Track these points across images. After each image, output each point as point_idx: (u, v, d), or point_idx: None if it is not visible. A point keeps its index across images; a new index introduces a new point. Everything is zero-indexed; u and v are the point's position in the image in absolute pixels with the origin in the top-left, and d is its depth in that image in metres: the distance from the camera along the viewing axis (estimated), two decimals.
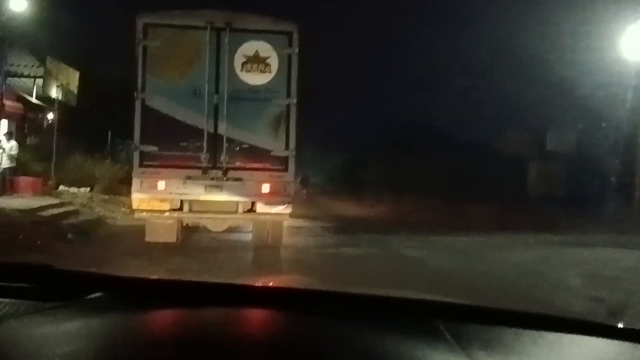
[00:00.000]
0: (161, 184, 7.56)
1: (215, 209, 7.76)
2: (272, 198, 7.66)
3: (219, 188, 7.66)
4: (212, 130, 7.65)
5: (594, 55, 13.86)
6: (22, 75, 17.78)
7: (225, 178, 7.67)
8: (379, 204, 21.51)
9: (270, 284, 1.64)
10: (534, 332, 1.24)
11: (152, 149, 7.57)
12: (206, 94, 7.60)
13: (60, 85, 16.71)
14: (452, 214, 15.35)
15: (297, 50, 7.73)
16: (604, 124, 15.47)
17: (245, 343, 1.10)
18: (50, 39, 16.08)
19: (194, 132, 7.63)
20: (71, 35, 17.73)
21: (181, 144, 7.65)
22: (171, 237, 7.75)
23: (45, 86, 17.01)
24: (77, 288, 1.33)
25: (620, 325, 1.32)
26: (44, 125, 17.04)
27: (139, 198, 7.58)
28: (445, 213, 15.73)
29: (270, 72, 7.70)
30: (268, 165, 7.72)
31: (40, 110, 17.96)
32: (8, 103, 15.43)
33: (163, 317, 1.27)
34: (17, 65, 17.03)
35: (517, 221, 13.22)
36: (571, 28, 14.68)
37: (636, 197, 15.80)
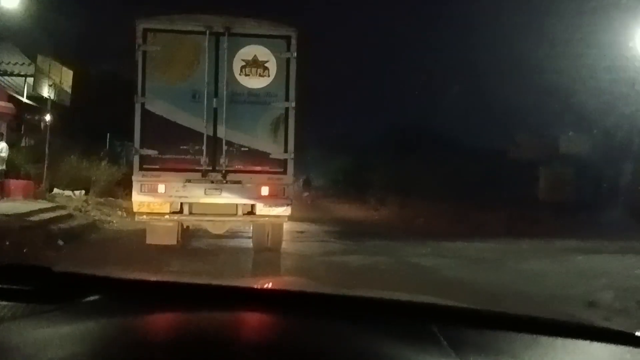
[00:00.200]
0: (161, 187, 7.83)
1: (215, 211, 8.04)
2: (272, 200, 7.95)
3: (219, 191, 7.94)
4: (211, 134, 7.93)
5: (608, 57, 13.54)
6: (12, 74, 17.52)
7: (225, 181, 7.95)
8: (382, 207, 21.51)
9: (268, 286, 1.70)
10: (528, 336, 1.26)
11: (152, 152, 7.84)
12: (205, 98, 7.88)
13: (52, 84, 16.48)
14: (461, 219, 15.08)
15: (295, 54, 8.01)
16: (616, 127, 15.32)
17: (243, 346, 1.13)
18: (42, 36, 15.99)
19: (194, 136, 7.91)
20: (64, 32, 17.69)
21: (181, 147, 7.93)
22: (172, 240, 8.04)
23: (36, 85, 16.60)
24: (76, 290, 1.34)
25: (614, 329, 1.35)
26: (42, 127, 16.70)
27: (139, 201, 7.85)
28: (454, 218, 15.45)
29: (268, 75, 7.99)
30: (267, 168, 8.00)
31: (36, 111, 17.71)
32: None
33: (161, 320, 1.28)
34: (7, 63, 16.84)
35: (531, 227, 12.94)
36: (586, 29, 14.29)
37: None
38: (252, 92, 7.99)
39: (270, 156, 8.02)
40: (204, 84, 7.87)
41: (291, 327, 1.24)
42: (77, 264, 7.56)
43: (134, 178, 7.89)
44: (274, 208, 7.96)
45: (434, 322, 1.25)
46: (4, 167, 13.84)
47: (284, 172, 8.06)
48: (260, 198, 7.95)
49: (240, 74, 7.97)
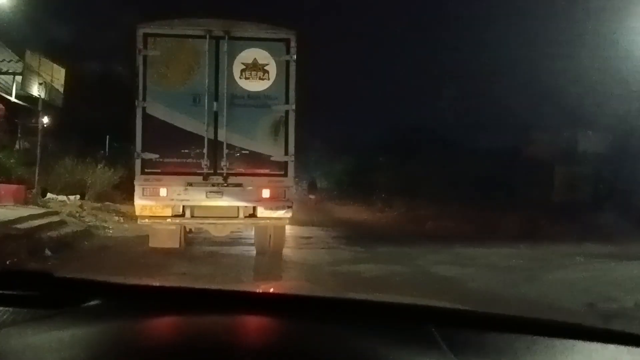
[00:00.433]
0: (163, 191, 8.09)
1: (217, 214, 8.31)
2: (273, 203, 8.23)
3: (220, 194, 8.22)
4: (212, 137, 8.19)
5: (627, 51, 13.49)
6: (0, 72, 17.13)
7: (226, 184, 8.22)
8: (389, 209, 21.44)
9: (267, 290, 1.76)
10: (527, 337, 1.28)
11: (154, 156, 8.10)
12: (206, 102, 8.14)
13: (42, 83, 16.15)
14: (473, 221, 14.78)
15: (295, 57, 8.28)
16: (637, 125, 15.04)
17: (243, 351, 1.15)
18: (32, 32, 15.83)
19: (195, 139, 8.17)
20: (56, 28, 17.44)
21: (182, 151, 8.18)
22: (174, 243, 8.33)
23: (25, 83, 16.22)
24: (76, 295, 1.37)
25: (615, 330, 1.39)
26: (39, 129, 16.49)
27: (141, 205, 8.11)
28: (465, 221, 15.12)
29: (268, 78, 8.26)
30: (268, 171, 8.28)
31: (31, 112, 17.42)
32: None
33: (161, 325, 1.31)
34: None
35: (549, 230, 12.61)
36: (604, 24, 14.09)
37: None
38: (253, 95, 8.25)
39: (271, 159, 8.28)
40: (204, 88, 8.13)
41: (290, 331, 1.27)
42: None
43: (135, 182, 8.15)
44: (275, 211, 8.23)
45: (433, 324, 1.29)
46: None
47: (285, 175, 8.33)
48: (261, 201, 8.21)
49: (240, 78, 8.23)
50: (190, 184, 8.15)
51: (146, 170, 8.12)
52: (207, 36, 8.14)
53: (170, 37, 8.19)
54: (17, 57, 16.64)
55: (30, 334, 1.19)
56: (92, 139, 18.78)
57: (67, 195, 15.23)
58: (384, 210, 21.72)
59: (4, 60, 16.99)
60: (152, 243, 8.38)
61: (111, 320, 1.27)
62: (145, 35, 8.08)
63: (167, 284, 1.71)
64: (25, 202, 13.54)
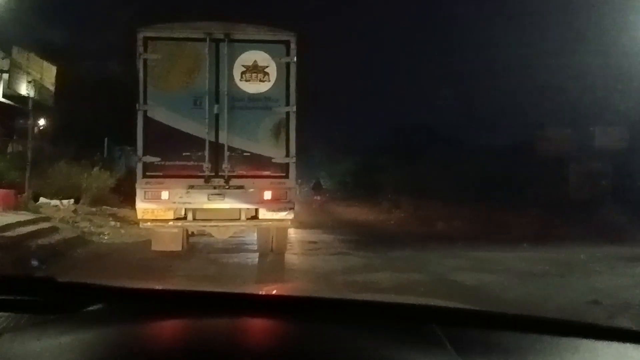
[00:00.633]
0: (165, 194, 8.28)
1: (219, 216, 8.51)
2: (274, 204, 8.44)
3: (222, 196, 8.41)
4: (213, 140, 8.39)
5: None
6: None
7: (228, 186, 8.41)
8: (397, 210, 21.22)
9: (273, 292, 1.80)
10: (532, 336, 1.31)
11: (155, 159, 8.28)
12: (207, 104, 8.33)
13: (32, 81, 15.48)
14: (485, 222, 14.43)
15: (295, 58, 8.48)
16: None
17: (248, 354, 1.16)
18: (21, 28, 15.10)
19: (196, 142, 8.36)
20: (47, 24, 16.93)
21: (183, 153, 8.38)
22: (177, 246, 8.53)
23: (12, 81, 15.38)
24: (78, 300, 1.39)
25: (619, 327, 1.42)
26: (29, 130, 16.09)
27: (143, 208, 8.30)
28: (477, 221, 14.77)
29: (269, 80, 8.46)
30: (269, 173, 8.48)
31: (24, 113, 16.80)
32: None
33: (163, 329, 1.32)
34: None
35: (567, 230, 12.19)
36: (620, 17, 13.81)
37: None
38: (253, 98, 8.45)
39: (272, 160, 8.48)
40: (205, 91, 8.32)
41: (293, 333, 1.29)
42: None
43: (137, 185, 8.32)
44: (277, 212, 8.43)
45: (437, 323, 1.31)
46: None
47: (286, 176, 8.54)
48: (263, 202, 8.41)
49: (240, 80, 8.42)
50: (192, 187, 8.34)
51: (148, 173, 8.29)
52: (207, 39, 8.32)
53: (170, 40, 8.36)
54: (4, 54, 15.83)
55: (33, 340, 1.21)
56: (88, 140, 18.43)
57: (60, 199, 14.93)
58: (391, 211, 21.45)
59: None
60: (155, 246, 8.57)
61: (113, 324, 1.29)
62: (146, 39, 8.25)
63: (168, 287, 1.74)
64: (16, 208, 13.08)
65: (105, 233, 12.30)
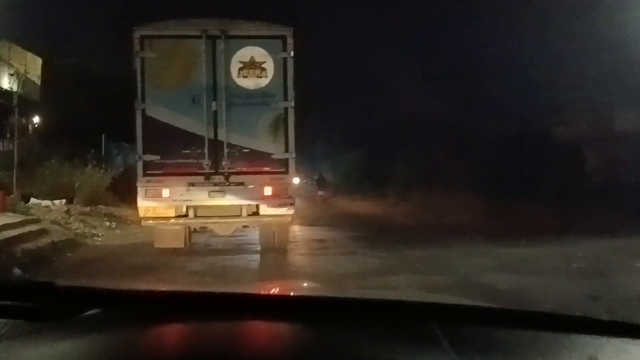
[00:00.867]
0: (165, 192, 8.48)
1: (220, 213, 8.71)
2: (275, 200, 8.64)
3: (222, 193, 8.61)
4: (212, 137, 8.58)
5: None
6: None
7: (228, 183, 8.61)
8: (404, 202, 20.74)
9: (274, 291, 1.83)
10: (530, 332, 1.31)
11: (155, 157, 8.47)
12: (205, 101, 8.51)
13: (14, 74, 14.81)
14: (500, 214, 13.74)
15: (292, 53, 8.66)
16: None
17: (249, 357, 1.18)
18: (5, 19, 14.61)
19: (195, 139, 8.54)
20: (34, 16, 16.51)
21: (183, 151, 8.56)
22: (179, 243, 8.74)
23: None
24: (76, 304, 1.39)
25: (618, 322, 1.41)
26: (29, 129, 15.76)
27: (144, 206, 8.49)
28: (491, 214, 14.09)
29: (266, 76, 8.65)
30: (269, 168, 8.68)
31: (12, 110, 16.04)
32: None
33: (163, 332, 1.32)
34: None
35: (592, 222, 11.36)
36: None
37: None
38: (251, 94, 8.63)
39: (272, 156, 8.68)
40: (202, 88, 8.50)
41: (293, 333, 1.31)
42: None
43: (138, 184, 8.51)
44: (277, 208, 8.64)
45: (436, 321, 1.31)
46: None
47: (286, 172, 8.74)
48: (263, 198, 8.61)
49: (238, 76, 8.61)
50: (193, 184, 8.53)
51: (148, 172, 8.48)
52: (204, 36, 8.50)
53: (166, 38, 8.54)
54: None
55: (31, 346, 1.22)
56: (82, 138, 17.80)
57: (52, 199, 14.45)
58: (398, 203, 21.19)
59: None
60: (157, 244, 8.77)
61: (112, 329, 1.29)
62: (142, 38, 8.43)
63: (168, 289, 1.75)
64: (4, 209, 12.45)
65: (99, 235, 12.00)
